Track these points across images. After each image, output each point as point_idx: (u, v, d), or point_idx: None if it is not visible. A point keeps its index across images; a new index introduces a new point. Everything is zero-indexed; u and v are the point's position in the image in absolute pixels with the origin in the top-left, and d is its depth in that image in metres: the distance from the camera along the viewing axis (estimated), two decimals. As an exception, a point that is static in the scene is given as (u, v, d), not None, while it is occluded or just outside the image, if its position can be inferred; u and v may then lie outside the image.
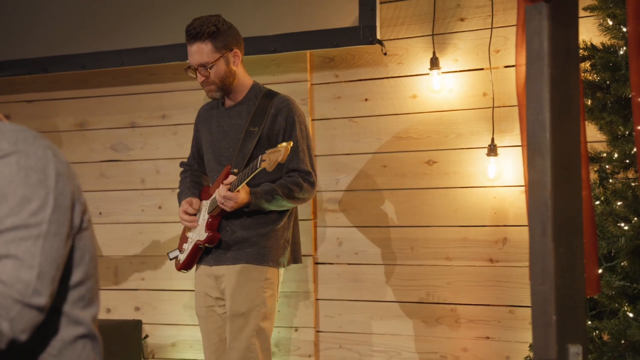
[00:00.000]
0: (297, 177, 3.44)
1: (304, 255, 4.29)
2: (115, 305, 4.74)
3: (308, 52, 4.31)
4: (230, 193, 3.32)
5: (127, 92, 4.73)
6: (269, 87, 4.42)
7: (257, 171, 3.24)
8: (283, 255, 3.53)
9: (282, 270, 3.55)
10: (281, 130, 3.45)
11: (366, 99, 4.24)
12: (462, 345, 4.02)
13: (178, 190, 3.75)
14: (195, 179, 3.74)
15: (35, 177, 1.67)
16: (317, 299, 4.29)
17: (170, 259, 3.69)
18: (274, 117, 3.46)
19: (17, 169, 1.67)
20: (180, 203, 3.64)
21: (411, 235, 4.13)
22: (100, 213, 4.79)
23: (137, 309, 4.68)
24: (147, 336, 4.57)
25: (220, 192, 3.35)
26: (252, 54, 4.16)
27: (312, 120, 4.34)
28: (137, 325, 4.40)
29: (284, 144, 3.17)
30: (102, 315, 4.74)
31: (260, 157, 3.22)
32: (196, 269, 3.61)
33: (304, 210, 4.31)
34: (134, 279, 4.72)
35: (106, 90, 4.78)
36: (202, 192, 3.67)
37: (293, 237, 3.61)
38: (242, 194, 3.34)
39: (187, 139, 4.07)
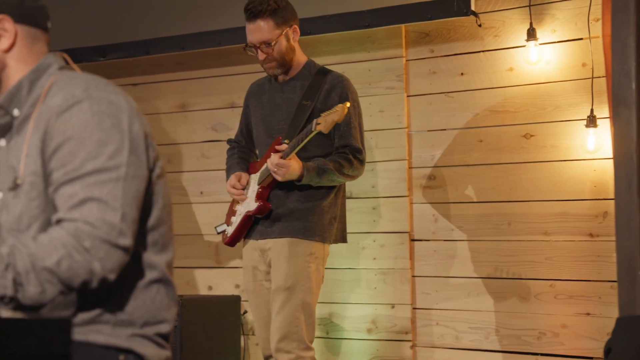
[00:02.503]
0: (348, 154, 3.42)
1: (400, 232, 4.28)
2: (216, 283, 4.83)
3: (403, 28, 4.29)
4: (282, 160, 3.31)
5: (226, 72, 4.81)
6: (364, 64, 4.45)
7: (312, 135, 3.23)
8: (329, 231, 3.50)
9: (327, 246, 3.52)
10: (334, 106, 3.41)
11: (462, 74, 4.18)
12: (561, 322, 3.92)
13: (227, 166, 3.73)
14: (243, 155, 3.73)
15: (109, 122, 1.72)
16: (413, 276, 4.27)
17: (218, 233, 3.70)
18: (327, 93, 3.45)
19: (90, 114, 1.72)
20: (228, 178, 3.64)
21: (508, 211, 4.06)
22: (201, 192, 4.89)
23: (237, 286, 4.76)
24: (246, 312, 4.63)
25: (272, 160, 3.33)
26: (345, 30, 4.18)
27: (408, 96, 4.31)
28: (236, 300, 4.46)
29: (340, 105, 3.16)
30: (204, 292, 4.85)
31: (314, 121, 3.22)
32: (243, 244, 3.62)
33: (399, 186, 4.30)
34: (233, 257, 4.79)
35: (206, 71, 4.88)
36: (249, 167, 3.67)
37: (340, 214, 3.57)
38: (294, 164, 3.32)
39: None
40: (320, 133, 3.23)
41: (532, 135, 4.01)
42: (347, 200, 4.40)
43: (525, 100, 4.02)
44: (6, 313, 1.38)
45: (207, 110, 4.88)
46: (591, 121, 3.78)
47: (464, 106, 4.17)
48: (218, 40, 4.55)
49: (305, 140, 3.26)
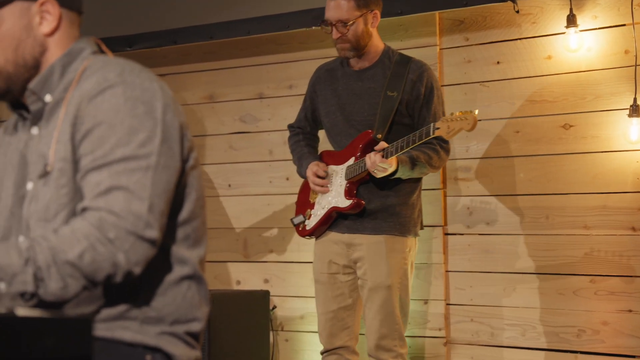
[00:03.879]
0: (435, 145, 3.35)
1: (433, 226, 4.17)
2: (245, 277, 4.75)
3: (437, 15, 4.17)
4: (385, 160, 3.23)
5: (255, 62, 4.72)
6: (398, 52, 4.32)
7: (426, 139, 3.16)
8: (419, 225, 3.48)
9: (417, 240, 3.50)
10: (420, 97, 3.38)
11: (498, 62, 4.05)
12: (602, 319, 3.78)
13: (295, 153, 3.65)
14: (310, 142, 3.66)
15: (142, 108, 1.63)
16: (447, 271, 4.15)
17: (295, 225, 3.62)
18: (413, 83, 3.38)
19: (123, 99, 1.62)
20: (302, 166, 3.55)
21: (546, 204, 3.92)
22: (229, 185, 4.80)
23: (266, 281, 4.67)
24: (275, 307, 4.54)
25: (373, 160, 3.25)
26: (378, 17, 4.05)
27: (442, 86, 4.18)
28: (265, 295, 4.37)
29: (470, 112, 3.06)
30: (232, 287, 4.76)
31: (432, 125, 3.13)
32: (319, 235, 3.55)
33: (432, 179, 4.17)
34: (262, 251, 4.71)
35: (234, 62, 4.79)
36: (324, 157, 3.57)
37: (420, 206, 3.54)
38: (394, 162, 3.26)
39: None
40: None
41: (571, 126, 3.87)
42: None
43: (565, 89, 3.88)
44: (24, 311, 1.29)
45: (236, 101, 4.79)
46: (634, 110, 3.64)
47: (500, 96, 4.04)
48: (247, 29, 4.46)
49: (418, 143, 3.18)
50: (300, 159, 3.60)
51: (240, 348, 4.16)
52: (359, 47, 3.40)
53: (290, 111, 4.61)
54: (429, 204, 4.18)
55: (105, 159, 1.59)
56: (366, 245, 3.39)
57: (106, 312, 1.66)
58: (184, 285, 1.73)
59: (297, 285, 4.57)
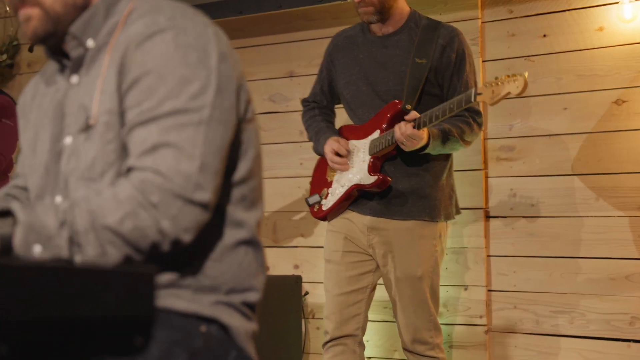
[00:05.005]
0: (467, 117, 3.08)
1: (474, 209, 3.97)
2: (274, 263, 4.56)
3: (479, -14, 3.98)
4: (417, 132, 2.93)
5: (285, 39, 4.53)
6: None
7: (467, 105, 2.87)
8: (451, 207, 3.19)
9: (449, 223, 3.23)
10: (450, 64, 3.10)
11: (544, 35, 3.85)
12: (657, 306, 3.59)
13: (311, 128, 3.35)
14: (327, 117, 3.37)
15: (195, 56, 1.44)
16: (488, 256, 3.95)
17: (310, 205, 3.32)
18: (443, 49, 3.09)
19: (174, 46, 1.44)
20: (320, 142, 3.25)
21: (596, 184, 3.72)
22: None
23: (296, 266, 4.49)
24: (307, 293, 4.36)
25: (404, 131, 2.94)
26: (418, -12, 3.86)
27: (483, 61, 3.99)
28: (297, 281, 4.20)
29: (519, 75, 2.76)
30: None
31: (473, 90, 2.84)
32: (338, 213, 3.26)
33: (473, 159, 3.98)
34: (292, 236, 4.52)
35: (263, 39, 4.60)
36: (344, 132, 3.28)
37: (453, 185, 3.26)
38: (425, 134, 2.97)
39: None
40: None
41: (624, 102, 3.67)
42: (417, 174, 4.12)
43: (617, 63, 3.68)
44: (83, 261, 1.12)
45: (265, 80, 4.61)
46: (693, 84, 3.45)
47: (547, 71, 3.84)
48: (279, 3, 4.28)
49: (455, 112, 2.89)
50: (318, 134, 3.30)
51: (271, 336, 3.99)
52: (383, 10, 3.11)
53: (322, 90, 4.44)
54: (469, 186, 3.99)
55: (153, 113, 1.42)
56: (393, 232, 3.11)
57: (157, 279, 1.47)
58: (241, 251, 1.55)
59: (328, 271, 4.38)
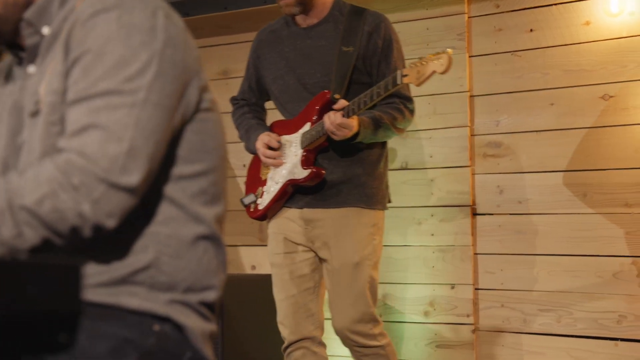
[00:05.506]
0: (398, 104, 3.01)
1: (460, 206, 3.92)
2: (261, 262, 4.52)
3: (465, -19, 3.93)
4: (346, 120, 2.86)
5: (271, 36, 4.48)
6: (421, 23, 4.08)
7: (394, 89, 2.81)
8: (387, 197, 3.12)
9: (385, 213, 3.13)
10: (377, 50, 3.01)
11: (531, 30, 3.80)
12: (645, 304, 3.54)
13: (242, 127, 3.25)
14: (257, 114, 3.29)
15: (139, 38, 1.38)
16: (475, 254, 3.90)
17: (245, 205, 3.23)
18: (369, 35, 3.01)
19: (117, 26, 1.38)
20: (251, 139, 3.17)
21: (583, 180, 3.67)
22: (244, 165, 4.56)
23: (282, 265, 4.44)
24: (292, 292, 4.31)
25: (333, 119, 2.86)
26: (402, -17, 3.82)
27: (470, 56, 3.94)
28: (281, 279, 4.15)
29: (444, 53, 2.70)
30: (248, 272, 4.53)
31: (399, 72, 2.78)
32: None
33: (459, 156, 3.93)
34: (279, 234, 4.47)
35: (249, 35, 4.52)
36: (275, 128, 3.20)
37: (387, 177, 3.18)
38: (355, 122, 2.89)
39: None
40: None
41: (611, 96, 3.62)
42: (403, 172, 4.08)
43: (604, 57, 3.63)
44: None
45: (251, 76, 4.55)
46: (680, 78, 3.40)
47: (533, 66, 3.79)
48: (263, -2, 4.24)
49: (383, 96, 2.83)
50: (248, 132, 3.21)
51: (254, 334, 3.94)
52: (304, 1, 3.03)
53: (309, 86, 4.39)
54: (456, 183, 3.94)
55: (87, 92, 1.36)
56: (329, 220, 3.02)
57: (109, 275, 1.42)
58: (200, 247, 1.50)
59: (315, 270, 4.34)
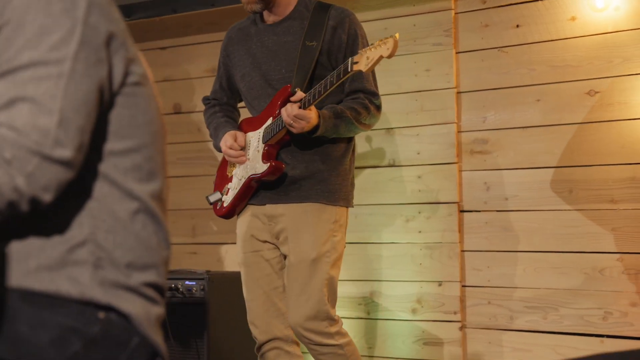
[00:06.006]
0: (363, 99, 2.97)
1: (447, 203, 3.90)
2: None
3: (452, -23, 3.91)
4: (302, 111, 2.81)
5: (259, 33, 4.47)
6: (408, 19, 4.06)
7: (346, 77, 2.76)
8: (351, 194, 3.08)
9: (348, 212, 3.09)
10: (342, 45, 2.98)
11: (517, 25, 3.78)
12: (631, 300, 3.50)
13: (211, 125, 3.24)
14: (228, 113, 3.26)
15: (59, 6, 1.36)
16: (462, 251, 3.88)
17: (211, 203, 3.20)
18: (333, 30, 2.99)
19: None
20: (217, 137, 3.14)
21: (570, 177, 3.65)
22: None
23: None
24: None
25: (289, 111, 2.83)
26: (388, -22, 3.80)
27: (457, 53, 3.92)
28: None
29: (390, 37, 2.65)
30: (236, 269, 4.51)
31: (350, 59, 2.75)
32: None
33: (446, 152, 3.91)
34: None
35: (238, 32, 4.54)
36: (242, 125, 3.17)
37: (353, 175, 3.14)
38: (313, 114, 2.85)
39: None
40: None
41: (596, 92, 3.60)
42: (390, 169, 4.05)
43: (590, 53, 3.61)
44: None
45: (240, 74, 4.54)
46: (666, 73, 3.38)
47: (520, 62, 3.77)
48: (250, -6, 4.21)
49: (336, 84, 2.79)
50: (217, 130, 3.19)
51: (239, 330, 3.92)
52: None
53: (297, 83, 4.37)
54: (443, 180, 3.92)
55: (10, 65, 1.34)
56: (289, 216, 2.98)
57: (47, 255, 1.39)
58: (138, 223, 1.47)
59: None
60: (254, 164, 3.02)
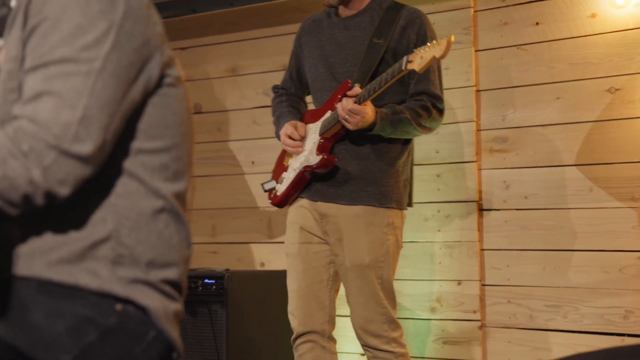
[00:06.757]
0: (425, 102, 2.98)
1: (467, 201, 3.89)
2: (270, 258, 4.51)
3: (471, -26, 3.90)
4: (357, 106, 2.84)
5: (279, 32, 4.48)
6: (428, 16, 4.05)
7: (400, 75, 2.78)
8: (405, 196, 3.07)
9: (404, 213, 3.09)
10: (411, 45, 2.98)
11: (537, 23, 3.76)
12: (652, 299, 3.48)
13: (275, 114, 3.27)
14: (294, 103, 3.27)
15: (98, 7, 1.38)
16: (482, 249, 3.86)
17: (265, 191, 3.25)
18: (402, 29, 3.00)
19: None
20: (279, 126, 3.17)
21: (590, 175, 3.62)
22: (252, 162, 4.57)
23: (291, 262, 4.42)
24: (299, 288, 4.29)
25: (344, 105, 2.86)
26: (407, -24, 3.79)
27: (476, 51, 3.91)
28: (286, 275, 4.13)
29: (444, 38, 2.69)
30: (256, 269, 4.52)
31: (405, 58, 2.77)
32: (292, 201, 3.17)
33: (465, 151, 3.90)
34: (287, 231, 4.46)
35: (257, 32, 4.56)
36: (305, 116, 3.20)
37: (410, 175, 3.14)
38: (369, 110, 2.86)
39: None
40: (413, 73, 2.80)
41: (617, 89, 3.57)
42: (409, 167, 4.04)
43: (610, 50, 3.58)
44: None
45: (259, 73, 4.56)
46: (687, 70, 3.35)
47: (540, 59, 3.75)
48: (269, -7, 4.23)
49: (391, 82, 2.80)
50: (279, 119, 3.21)
51: (260, 331, 3.93)
52: None
53: (316, 83, 4.37)
54: (462, 178, 3.91)
55: (43, 59, 1.36)
56: (342, 218, 3.00)
57: (68, 248, 1.41)
58: (161, 221, 1.48)
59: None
60: (308, 155, 3.05)
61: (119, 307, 1.41)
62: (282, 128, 3.14)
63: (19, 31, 1.43)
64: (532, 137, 3.77)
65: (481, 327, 3.83)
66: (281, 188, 3.16)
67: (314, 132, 3.09)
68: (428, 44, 2.75)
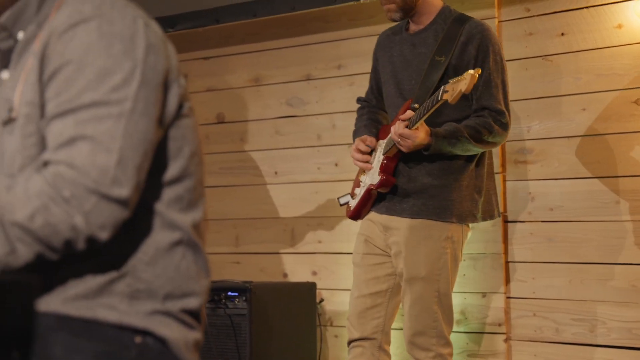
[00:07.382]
0: (487, 117, 2.98)
1: (492, 213, 3.86)
2: (292, 269, 4.50)
3: (496, -16, 3.87)
4: (407, 131, 2.90)
5: (302, 42, 4.48)
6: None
7: (437, 104, 2.81)
8: (469, 210, 3.08)
9: (467, 228, 3.11)
10: (471, 61, 3.00)
11: (562, 34, 3.73)
12: (680, 313, 3.44)
13: (355, 127, 3.37)
14: (373, 116, 3.33)
15: (120, 47, 1.37)
16: (507, 262, 3.83)
17: (341, 205, 3.37)
18: (464, 45, 3.01)
19: (97, 35, 1.37)
20: (354, 141, 3.27)
21: (617, 187, 3.58)
22: (275, 172, 4.57)
23: (314, 273, 4.42)
24: (322, 300, 4.28)
25: (396, 129, 2.93)
26: (431, -14, 3.76)
27: (500, 61, 3.88)
28: (311, 288, 4.13)
29: (471, 71, 2.71)
30: (279, 280, 4.51)
31: (442, 88, 2.78)
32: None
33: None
34: (310, 242, 4.45)
35: (279, 42, 4.55)
36: (380, 131, 3.26)
37: (486, 187, 3.13)
38: (421, 133, 2.91)
39: (365, 89, 3.71)
40: (447, 103, 2.82)
41: (644, 101, 3.54)
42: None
43: (637, 61, 3.54)
44: None
45: (282, 83, 4.55)
46: None
47: (565, 70, 3.71)
48: (292, 4, 4.22)
49: (432, 110, 2.85)
50: (356, 133, 3.32)
51: (284, 344, 3.92)
52: (405, 8, 3.04)
53: (339, 93, 4.36)
54: (487, 189, 3.88)
55: (71, 104, 1.36)
56: (403, 231, 3.06)
57: (86, 285, 1.41)
58: (177, 253, 1.48)
59: (347, 278, 4.27)
60: (373, 173, 3.13)
61: (138, 339, 1.41)
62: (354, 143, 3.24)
63: (33, 74, 1.42)
64: (558, 148, 3.73)
65: (506, 340, 3.80)
66: (353, 203, 3.26)
67: (380, 150, 3.16)
68: (463, 75, 2.75)
